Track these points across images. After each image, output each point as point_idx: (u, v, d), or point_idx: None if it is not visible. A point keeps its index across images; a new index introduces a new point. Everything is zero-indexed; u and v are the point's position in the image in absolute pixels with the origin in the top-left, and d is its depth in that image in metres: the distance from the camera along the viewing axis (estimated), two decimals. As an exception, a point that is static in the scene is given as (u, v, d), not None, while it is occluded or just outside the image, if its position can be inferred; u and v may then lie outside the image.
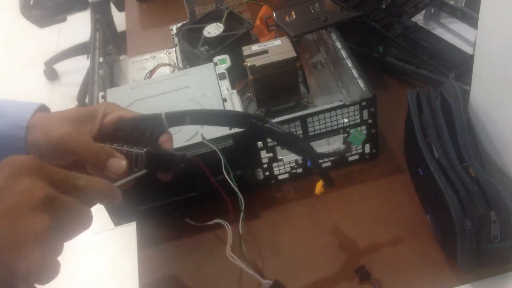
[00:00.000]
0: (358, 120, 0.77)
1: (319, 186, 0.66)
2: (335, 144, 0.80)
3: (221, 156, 0.68)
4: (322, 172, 0.65)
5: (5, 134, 0.52)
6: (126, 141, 0.55)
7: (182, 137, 0.75)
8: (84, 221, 0.43)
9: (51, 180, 0.40)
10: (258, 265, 0.71)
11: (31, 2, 2.20)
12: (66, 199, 0.40)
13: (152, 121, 0.56)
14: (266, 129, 0.59)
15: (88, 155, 0.51)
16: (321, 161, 0.81)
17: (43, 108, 0.56)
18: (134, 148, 0.53)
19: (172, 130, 0.75)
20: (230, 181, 0.68)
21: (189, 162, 0.59)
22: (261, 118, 0.59)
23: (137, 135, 0.55)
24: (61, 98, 2.53)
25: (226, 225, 0.72)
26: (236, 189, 0.68)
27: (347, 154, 0.79)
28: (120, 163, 0.51)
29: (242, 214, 0.68)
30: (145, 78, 0.96)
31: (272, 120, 0.61)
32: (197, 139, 0.73)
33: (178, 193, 0.77)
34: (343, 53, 0.84)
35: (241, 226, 0.68)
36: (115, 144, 0.53)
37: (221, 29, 0.94)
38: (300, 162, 0.80)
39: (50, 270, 0.38)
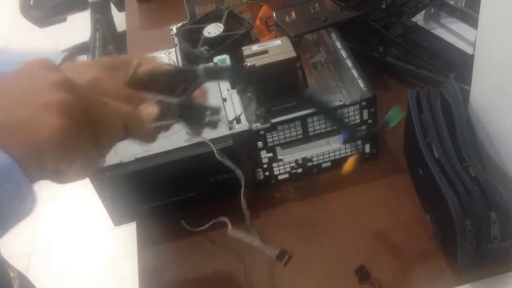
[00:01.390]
0: (358, 120, 0.77)
1: (350, 163, 0.62)
2: (335, 144, 0.80)
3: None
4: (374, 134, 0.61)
5: None
6: (159, 92, 0.53)
7: (182, 137, 0.75)
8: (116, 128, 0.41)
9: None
10: (257, 261, 0.71)
11: (31, 2, 2.20)
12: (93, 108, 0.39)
13: (188, 73, 0.54)
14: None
15: (120, 98, 0.48)
16: (321, 161, 0.81)
17: (71, 59, 0.55)
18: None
19: (172, 130, 0.75)
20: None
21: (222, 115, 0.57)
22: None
23: (171, 87, 0.54)
24: (61, 98, 2.52)
25: (227, 221, 0.72)
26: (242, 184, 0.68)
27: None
28: (152, 109, 0.49)
29: (243, 189, 0.69)
30: (145, 78, 0.96)
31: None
32: (198, 139, 0.73)
33: (178, 193, 0.77)
34: (343, 53, 0.84)
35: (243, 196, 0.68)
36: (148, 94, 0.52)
37: (221, 29, 0.94)
38: (300, 162, 0.80)
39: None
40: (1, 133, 0.34)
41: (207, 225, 0.74)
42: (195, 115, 0.53)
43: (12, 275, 0.63)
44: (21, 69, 0.38)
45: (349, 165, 0.62)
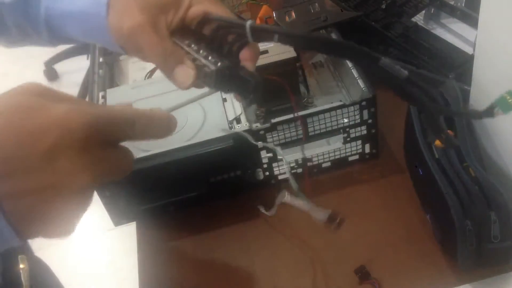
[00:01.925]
0: (358, 120, 0.77)
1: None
2: (335, 144, 0.80)
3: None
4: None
5: (86, 11, 0.47)
6: (206, 43, 0.48)
7: (182, 137, 0.75)
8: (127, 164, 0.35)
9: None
10: (257, 261, 0.71)
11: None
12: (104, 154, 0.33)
13: (237, 28, 0.47)
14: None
15: (156, 57, 0.45)
16: (321, 161, 0.81)
17: None
18: (210, 58, 0.46)
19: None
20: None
21: (264, 86, 0.48)
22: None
23: (219, 38, 0.48)
24: (61, 98, 2.53)
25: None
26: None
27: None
28: (188, 73, 0.45)
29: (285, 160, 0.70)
30: (145, 78, 0.96)
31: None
32: (198, 139, 0.73)
33: (178, 193, 0.77)
34: (343, 53, 0.84)
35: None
36: (192, 46, 0.47)
37: (221, 29, 0.93)
38: (300, 162, 0.80)
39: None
40: None
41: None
42: (233, 85, 0.47)
43: (22, 266, 0.63)
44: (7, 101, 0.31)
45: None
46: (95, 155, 0.32)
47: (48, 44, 0.53)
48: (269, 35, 0.45)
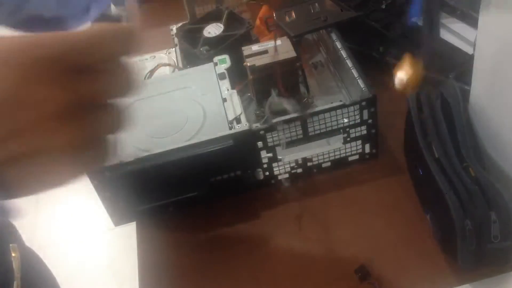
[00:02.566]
0: (358, 120, 0.77)
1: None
2: (335, 144, 0.80)
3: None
4: None
5: None
6: None
7: (182, 137, 0.75)
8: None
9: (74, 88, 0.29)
10: (257, 262, 0.71)
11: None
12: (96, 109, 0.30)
13: None
14: None
15: None
16: (321, 161, 0.81)
17: None
18: None
19: (172, 129, 0.76)
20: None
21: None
22: None
23: None
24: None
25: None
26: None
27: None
28: None
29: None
30: (145, 78, 0.96)
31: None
32: (198, 139, 0.73)
33: (178, 193, 0.77)
34: (343, 53, 0.84)
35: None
36: None
37: (221, 29, 0.94)
38: (300, 162, 0.80)
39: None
40: None
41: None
42: None
43: (13, 255, 0.63)
44: None
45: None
46: (74, 85, 0.28)
47: None
48: None
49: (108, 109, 0.31)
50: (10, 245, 0.63)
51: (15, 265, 0.61)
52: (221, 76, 0.84)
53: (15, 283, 0.59)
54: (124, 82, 0.32)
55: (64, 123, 0.28)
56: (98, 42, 0.30)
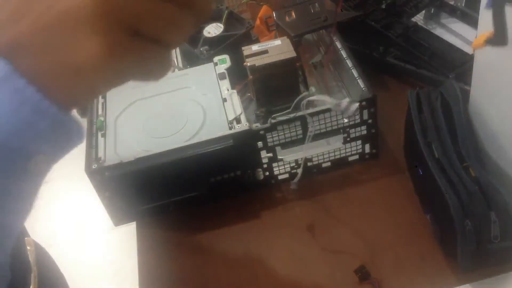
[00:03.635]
0: (358, 120, 0.77)
1: (482, 39, 0.59)
2: (335, 144, 0.80)
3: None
4: None
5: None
6: None
7: (182, 137, 0.75)
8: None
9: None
10: (257, 262, 0.71)
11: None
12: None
13: None
14: None
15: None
16: (321, 161, 0.81)
17: None
18: None
19: (172, 129, 0.76)
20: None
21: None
22: None
23: None
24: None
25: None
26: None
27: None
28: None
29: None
30: (145, 78, 0.96)
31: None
32: (198, 139, 0.73)
33: (178, 193, 0.77)
34: (343, 53, 0.84)
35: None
36: None
37: (221, 29, 0.93)
38: (300, 162, 0.80)
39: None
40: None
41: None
42: None
43: (29, 248, 0.63)
44: None
45: (479, 42, 0.59)
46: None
47: None
48: None
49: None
50: (25, 238, 0.63)
51: (31, 257, 0.61)
52: (221, 76, 0.84)
53: (32, 275, 0.59)
54: None
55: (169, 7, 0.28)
56: None
